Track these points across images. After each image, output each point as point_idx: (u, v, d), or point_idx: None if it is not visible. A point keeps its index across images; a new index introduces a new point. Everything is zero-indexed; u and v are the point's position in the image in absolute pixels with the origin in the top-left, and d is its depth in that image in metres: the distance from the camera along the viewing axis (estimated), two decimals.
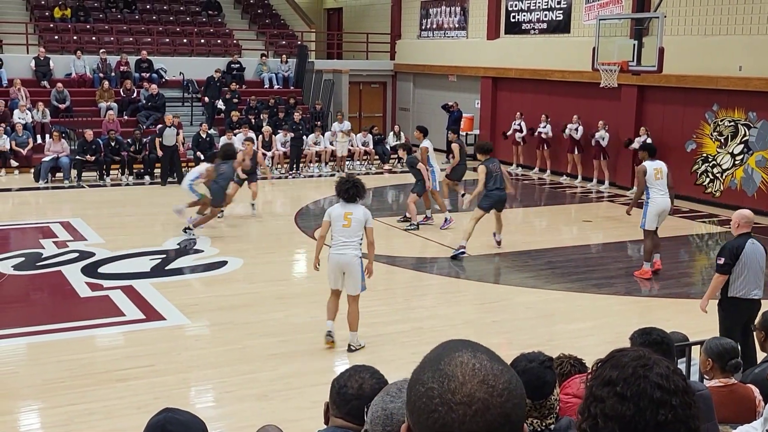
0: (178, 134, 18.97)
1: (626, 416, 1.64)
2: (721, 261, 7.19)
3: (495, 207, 12.34)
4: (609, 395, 1.67)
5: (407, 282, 11.36)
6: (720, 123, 16.72)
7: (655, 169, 11.18)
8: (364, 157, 21.66)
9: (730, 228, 7.97)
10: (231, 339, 8.67)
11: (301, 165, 20.50)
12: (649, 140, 17.41)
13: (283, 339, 8.66)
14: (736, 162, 16.44)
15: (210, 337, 8.86)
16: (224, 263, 11.80)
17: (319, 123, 22.27)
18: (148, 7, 26.33)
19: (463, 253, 12.15)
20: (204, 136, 19.57)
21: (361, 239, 8.29)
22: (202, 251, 12.48)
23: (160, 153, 18.65)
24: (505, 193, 12.28)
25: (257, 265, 11.86)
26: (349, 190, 8.15)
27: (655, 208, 11.06)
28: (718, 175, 16.84)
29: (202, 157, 18.42)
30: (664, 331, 4.29)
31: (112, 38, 23.96)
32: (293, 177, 19.95)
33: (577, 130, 19.21)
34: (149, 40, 24.26)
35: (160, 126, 19.15)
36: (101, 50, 22.66)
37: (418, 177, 14.23)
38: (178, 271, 11.37)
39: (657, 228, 11.21)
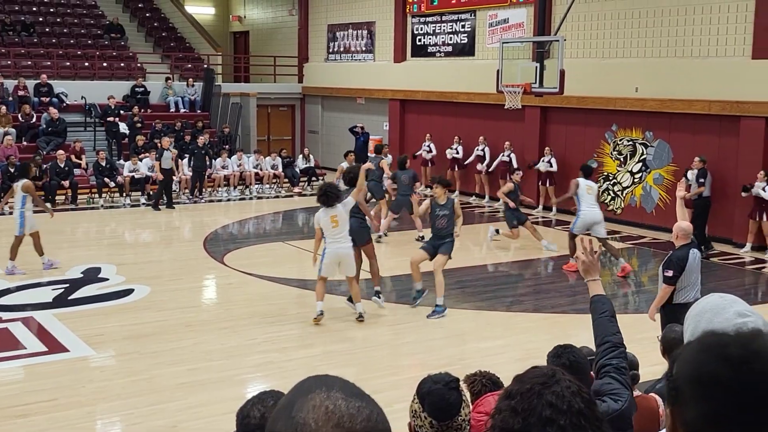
0: (172, 158, 18.75)
1: (514, 430, 1.67)
2: (669, 273, 7.60)
3: None
4: (505, 408, 1.71)
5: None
6: (619, 142, 17.30)
7: (587, 185, 12.96)
8: (273, 180, 21.53)
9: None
10: (138, 369, 8.43)
11: (204, 189, 20.20)
12: (553, 160, 17.88)
13: (192, 367, 8.47)
14: (635, 180, 17.01)
15: (116, 368, 8.60)
16: (131, 291, 11.49)
17: (227, 146, 22.06)
18: (47, 30, 25.61)
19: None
20: (104, 163, 19.12)
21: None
22: (108, 279, 12.13)
23: (160, 177, 18.36)
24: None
25: (165, 292, 11.59)
26: (327, 199, 9.70)
27: (583, 220, 12.79)
28: (618, 192, 17.39)
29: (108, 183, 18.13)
30: (575, 353, 4.25)
31: (9, 62, 23.18)
32: (195, 201, 19.62)
33: (484, 151, 19.57)
34: (49, 63, 23.59)
35: (159, 149, 18.88)
36: None
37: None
38: (82, 301, 11.00)
39: (579, 234, 12.43)
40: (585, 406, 1.67)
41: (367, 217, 11.09)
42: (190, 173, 19.92)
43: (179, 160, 19.83)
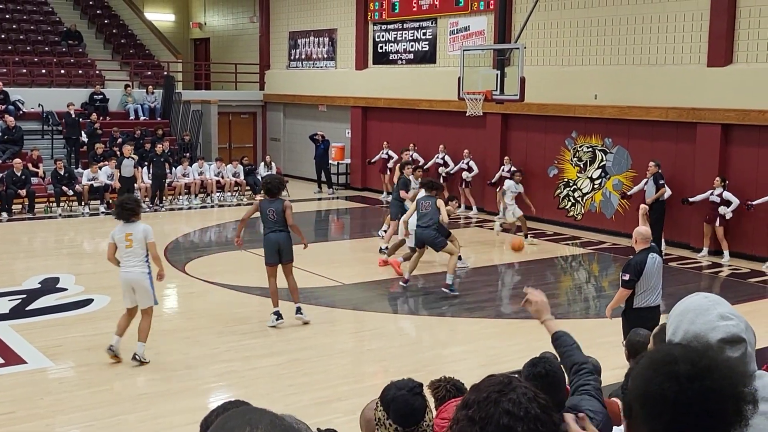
0: (135, 166, 18.44)
1: None
2: (627, 277, 7.68)
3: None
4: (462, 417, 1.70)
5: (282, 313, 11.24)
6: (579, 149, 17.48)
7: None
8: (235, 188, 21.41)
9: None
10: (98, 380, 8.31)
11: (165, 197, 20.02)
12: (514, 168, 17.98)
13: (154, 378, 8.38)
14: (595, 186, 17.20)
15: (75, 380, 8.47)
16: (90, 301, 11.33)
17: (187, 154, 21.88)
18: (2, 36, 25.22)
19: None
20: (62, 172, 18.85)
21: (147, 255, 8.68)
22: (66, 289, 11.95)
23: (118, 185, 18.26)
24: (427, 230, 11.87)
25: None
26: (122, 212, 8.64)
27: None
28: (579, 199, 17.56)
29: (70, 192, 17.94)
30: (551, 363, 4.15)
31: None
32: (155, 210, 19.42)
33: (444, 159, 19.65)
34: (5, 70, 23.20)
35: (119, 157, 18.74)
36: None
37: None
38: (40, 312, 10.82)
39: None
40: (541, 412, 1.67)
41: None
42: (150, 181, 19.73)
43: (139, 168, 19.58)
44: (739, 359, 2.04)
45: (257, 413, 1.31)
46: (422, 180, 13.06)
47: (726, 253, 14.41)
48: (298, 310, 10.25)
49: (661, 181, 14.75)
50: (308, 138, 23.00)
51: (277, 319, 10.12)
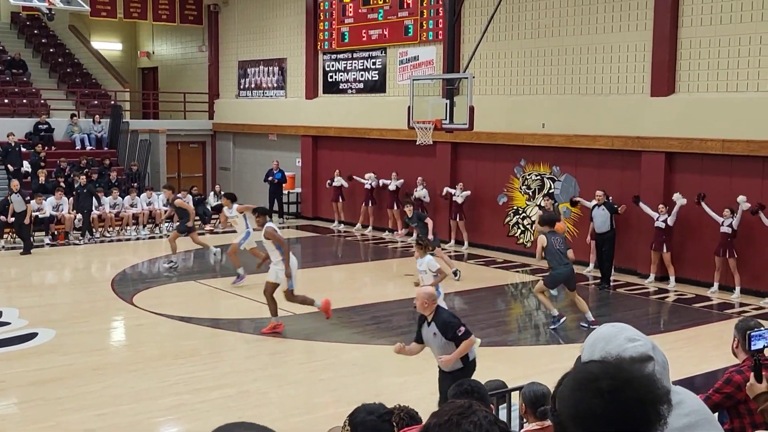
0: (28, 201, 18.01)
1: None
2: (464, 329, 7.16)
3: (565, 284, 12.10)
4: None
5: (233, 345, 11.12)
6: (528, 177, 17.70)
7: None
8: None
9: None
10: (42, 416, 8.09)
11: (95, 229, 19.57)
12: (466, 193, 18.10)
13: (101, 412, 8.19)
14: None
15: (19, 416, 8.24)
16: (34, 335, 11.07)
17: (135, 184, 21.61)
18: None
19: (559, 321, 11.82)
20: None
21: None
22: (9, 323, 11.66)
23: (11, 220, 17.87)
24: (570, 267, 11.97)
25: (71, 335, 11.20)
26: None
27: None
28: (528, 226, 17.73)
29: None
30: (476, 381, 4.59)
31: None
32: (93, 241, 19.00)
33: (397, 186, 19.73)
34: None
35: (8, 192, 18.24)
36: None
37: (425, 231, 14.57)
38: None
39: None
40: None
41: None
42: (76, 214, 19.19)
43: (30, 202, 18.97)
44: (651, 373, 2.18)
45: (248, 424, 1.38)
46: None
47: (672, 278, 14.67)
48: None
49: (616, 205, 14.87)
50: (264, 181, 22.83)
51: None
